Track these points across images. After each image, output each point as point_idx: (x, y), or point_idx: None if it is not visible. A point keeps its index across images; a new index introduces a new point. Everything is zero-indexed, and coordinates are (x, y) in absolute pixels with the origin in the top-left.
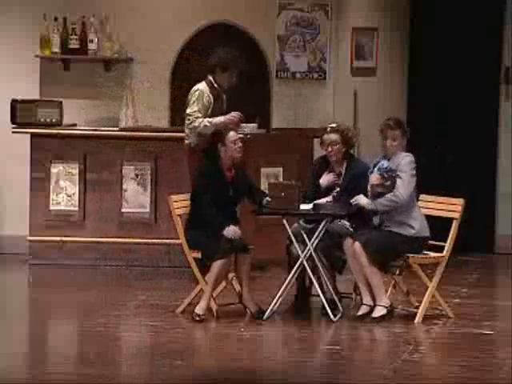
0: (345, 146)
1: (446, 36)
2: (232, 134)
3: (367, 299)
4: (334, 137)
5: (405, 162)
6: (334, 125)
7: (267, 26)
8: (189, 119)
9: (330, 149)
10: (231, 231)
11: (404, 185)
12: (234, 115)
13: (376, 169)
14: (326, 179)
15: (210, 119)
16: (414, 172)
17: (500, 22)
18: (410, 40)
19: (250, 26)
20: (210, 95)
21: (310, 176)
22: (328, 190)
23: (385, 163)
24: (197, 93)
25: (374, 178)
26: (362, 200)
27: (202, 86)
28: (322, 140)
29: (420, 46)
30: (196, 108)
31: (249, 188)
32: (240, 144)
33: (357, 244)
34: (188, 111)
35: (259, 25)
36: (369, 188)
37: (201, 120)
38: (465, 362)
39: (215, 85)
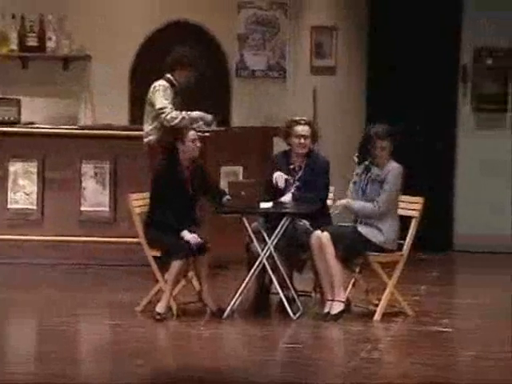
0: (312, 140)
1: (404, 35)
2: (192, 133)
3: (329, 294)
4: (306, 129)
5: (393, 174)
6: (305, 118)
7: (227, 25)
8: (164, 111)
9: (302, 140)
10: (189, 237)
11: (385, 197)
12: (209, 117)
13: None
14: (281, 180)
15: (188, 112)
16: (399, 186)
17: (458, 20)
18: (368, 38)
19: (209, 24)
20: (171, 91)
21: (268, 171)
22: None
23: (375, 171)
24: (160, 87)
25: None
26: (341, 201)
27: (162, 82)
28: (290, 131)
29: (379, 45)
30: (166, 101)
31: (208, 187)
32: (199, 143)
33: (325, 234)
34: (159, 106)
35: (219, 23)
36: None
37: (178, 112)
38: (424, 359)
39: (174, 82)
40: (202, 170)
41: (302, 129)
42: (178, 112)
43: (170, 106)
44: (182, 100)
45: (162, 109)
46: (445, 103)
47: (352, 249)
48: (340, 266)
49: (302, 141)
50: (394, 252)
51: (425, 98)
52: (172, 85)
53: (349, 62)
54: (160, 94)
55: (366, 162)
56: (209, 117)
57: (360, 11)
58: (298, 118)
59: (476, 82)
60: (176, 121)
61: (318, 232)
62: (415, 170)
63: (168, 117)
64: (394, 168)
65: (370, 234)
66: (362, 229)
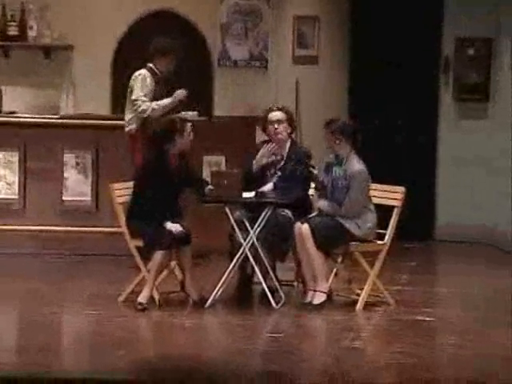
0: (289, 126)
1: (386, 26)
2: (189, 125)
3: (311, 284)
4: (280, 115)
5: (357, 180)
6: (279, 105)
7: (209, 14)
8: (136, 103)
9: (276, 126)
10: (173, 227)
11: (350, 202)
12: (179, 93)
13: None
14: (265, 154)
15: (158, 102)
16: (364, 185)
17: (439, 11)
18: (351, 29)
19: (191, 13)
20: (152, 79)
21: (249, 159)
22: (264, 170)
23: (338, 170)
24: (139, 77)
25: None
26: (320, 202)
27: (143, 71)
28: (266, 120)
29: (361, 36)
30: (142, 93)
31: (191, 176)
32: (192, 136)
33: (305, 226)
34: (134, 97)
35: (201, 13)
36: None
37: (148, 104)
38: (405, 348)
39: (156, 71)
40: (186, 160)
41: (274, 114)
42: (148, 103)
43: (143, 98)
44: (165, 89)
45: (135, 100)
46: (427, 94)
47: (332, 239)
48: (322, 256)
49: (276, 126)
50: (374, 242)
51: (407, 88)
52: (154, 73)
53: (331, 52)
54: (137, 84)
55: (327, 159)
56: (180, 93)
57: (343, 1)
58: (271, 105)
59: (458, 72)
60: (147, 113)
61: (299, 224)
62: (397, 160)
63: (139, 109)
64: (356, 170)
65: (349, 225)
66: (341, 219)
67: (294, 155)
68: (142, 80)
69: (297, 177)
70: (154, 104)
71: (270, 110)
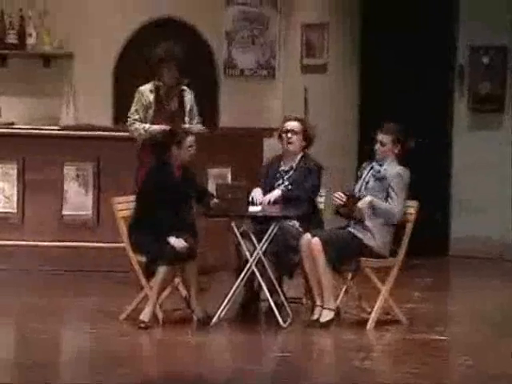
0: (304, 140)
1: (398, 32)
2: (190, 139)
3: (319, 301)
4: (296, 125)
5: (395, 178)
6: (298, 115)
7: (214, 22)
8: (127, 120)
9: (289, 135)
10: (176, 242)
11: (398, 203)
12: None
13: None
14: (258, 197)
15: (147, 126)
16: (404, 189)
17: (454, 17)
18: (361, 36)
19: (196, 20)
20: (150, 95)
21: (260, 175)
22: (272, 182)
23: (376, 167)
24: (136, 94)
25: (338, 196)
26: (365, 198)
27: (145, 86)
28: (281, 128)
29: (372, 43)
30: (133, 109)
31: (195, 189)
32: (194, 150)
33: (315, 240)
34: (129, 112)
35: (206, 20)
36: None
37: (137, 126)
38: (418, 368)
39: (159, 84)
40: (191, 172)
41: (290, 124)
42: (138, 125)
43: (135, 116)
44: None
45: (127, 116)
46: (440, 104)
47: (345, 253)
48: (330, 273)
49: (289, 135)
50: (386, 257)
51: (420, 98)
52: (157, 88)
53: (341, 60)
54: (134, 99)
55: (368, 163)
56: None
57: (352, 7)
58: (289, 115)
59: (472, 81)
60: (135, 134)
61: (308, 236)
62: (410, 172)
63: (130, 127)
64: (396, 172)
65: (363, 236)
66: (354, 231)
67: (304, 167)
68: (137, 96)
69: (304, 187)
70: (142, 129)
71: (288, 118)
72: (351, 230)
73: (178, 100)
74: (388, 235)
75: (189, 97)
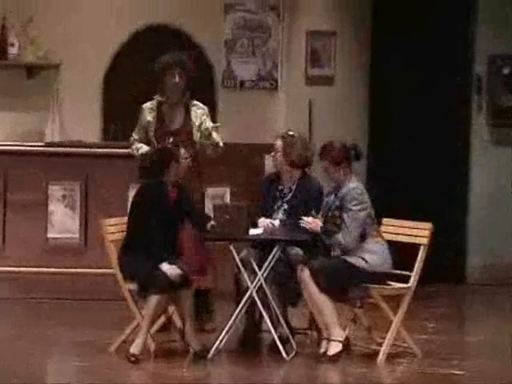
0: (283, 155)
1: (411, 41)
2: (183, 150)
3: (325, 333)
4: (278, 142)
5: (348, 198)
6: (290, 131)
7: (212, 29)
8: (129, 140)
9: (273, 153)
10: (169, 269)
11: (347, 230)
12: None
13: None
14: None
15: (139, 146)
16: (359, 208)
17: (471, 24)
18: (371, 45)
19: (192, 28)
20: (149, 115)
21: (262, 192)
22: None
23: (330, 199)
24: (140, 111)
25: (309, 221)
26: (315, 225)
27: (147, 103)
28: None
29: (383, 52)
30: (136, 128)
31: (191, 211)
32: (189, 161)
33: (305, 271)
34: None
35: (203, 27)
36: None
37: (134, 146)
38: None
39: (163, 99)
40: (187, 192)
41: (276, 142)
42: (135, 145)
43: (135, 136)
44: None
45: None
46: (457, 117)
47: (338, 280)
48: (327, 301)
49: (273, 153)
50: (387, 277)
51: (434, 111)
52: (159, 104)
53: (349, 71)
54: (139, 117)
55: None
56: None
57: (362, 14)
58: (282, 131)
59: (491, 93)
60: (134, 153)
61: (300, 267)
62: (424, 192)
63: (131, 147)
64: (349, 190)
65: (354, 261)
66: (346, 257)
67: (304, 189)
68: (140, 113)
69: (305, 214)
70: (135, 148)
71: (277, 135)
72: (345, 257)
73: (184, 116)
74: (381, 251)
75: (198, 112)
